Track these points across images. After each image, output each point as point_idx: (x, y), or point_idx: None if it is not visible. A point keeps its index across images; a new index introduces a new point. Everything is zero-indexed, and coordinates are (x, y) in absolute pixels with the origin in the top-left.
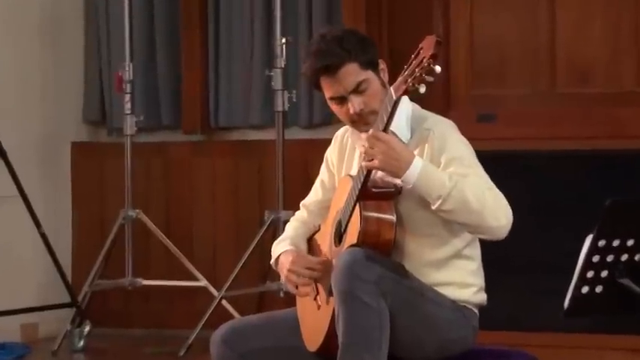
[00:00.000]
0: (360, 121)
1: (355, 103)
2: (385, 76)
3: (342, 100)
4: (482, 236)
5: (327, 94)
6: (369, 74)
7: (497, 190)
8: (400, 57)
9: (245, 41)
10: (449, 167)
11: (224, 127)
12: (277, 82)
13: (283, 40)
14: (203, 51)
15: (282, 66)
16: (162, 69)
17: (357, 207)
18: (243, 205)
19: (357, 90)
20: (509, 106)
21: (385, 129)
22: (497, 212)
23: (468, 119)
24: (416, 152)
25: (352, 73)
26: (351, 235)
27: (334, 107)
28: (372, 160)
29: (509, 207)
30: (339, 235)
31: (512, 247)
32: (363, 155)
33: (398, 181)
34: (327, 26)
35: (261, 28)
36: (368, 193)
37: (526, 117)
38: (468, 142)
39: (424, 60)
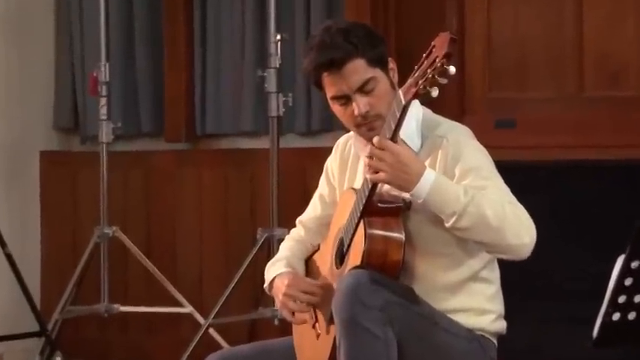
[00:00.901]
0: (364, 125)
1: (360, 104)
2: (395, 77)
3: (345, 100)
4: (502, 256)
5: (330, 93)
6: (377, 73)
7: (519, 205)
8: (409, 56)
9: (235, 38)
10: (464, 179)
11: (212, 135)
12: (271, 84)
13: (278, 37)
14: (188, 49)
15: (277, 66)
16: (142, 69)
17: (361, 224)
18: (233, 221)
19: (363, 89)
20: (531, 110)
21: (393, 137)
22: (519, 229)
23: (485, 125)
24: (427, 163)
25: (358, 69)
26: (355, 256)
27: (336, 108)
28: (378, 172)
29: (532, 223)
30: (340, 256)
31: (534, 269)
32: (368, 167)
33: (407, 196)
34: (328, 20)
35: (254, 24)
36: (373, 208)
37: (550, 123)
38: (485, 151)
39: (437, 60)
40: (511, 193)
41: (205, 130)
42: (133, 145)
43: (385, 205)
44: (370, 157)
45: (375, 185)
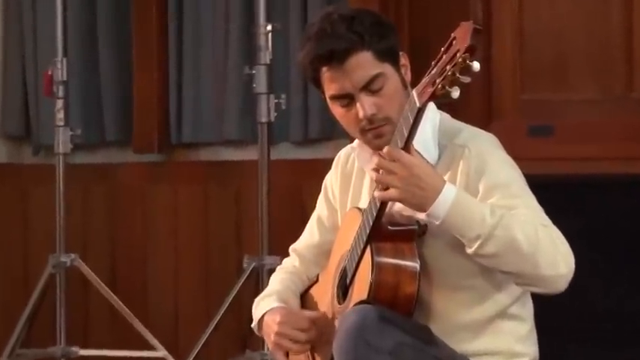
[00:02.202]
0: (371, 131)
1: (366, 105)
2: (407, 75)
3: (348, 100)
4: (534, 289)
5: (329, 92)
6: (387, 68)
7: (555, 228)
8: (425, 50)
9: (217, 29)
10: (490, 197)
11: (189, 144)
12: (261, 84)
13: (269, 28)
14: (161, 43)
15: (267, 62)
16: (106, 67)
17: (368, 251)
18: (214, 248)
19: (369, 87)
20: (571, 115)
21: (405, 146)
22: (554, 257)
23: (516, 133)
24: (446, 177)
25: (364, 64)
26: (360, 289)
27: (337, 110)
28: (388, 188)
29: (570, 250)
30: (343, 289)
31: (572, 303)
32: (376, 182)
33: (422, 216)
34: (329, 7)
35: (239, 12)
36: (382, 232)
37: (593, 130)
38: (514, 163)
39: (458, 54)
40: (545, 214)
41: (182, 138)
42: (95, 156)
43: (396, 228)
44: (378, 170)
45: (384, 204)
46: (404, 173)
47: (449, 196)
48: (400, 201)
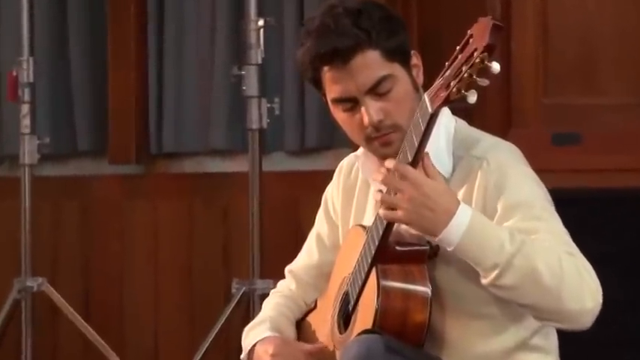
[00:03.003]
0: (377, 139)
1: (372, 110)
2: (419, 77)
3: (352, 104)
4: (556, 325)
5: (331, 94)
6: (396, 69)
7: (581, 256)
8: (438, 49)
9: (203, 25)
10: (509, 218)
11: (171, 155)
12: (251, 86)
13: (260, 23)
14: (140, 42)
15: (259, 61)
16: (78, 69)
17: (373, 273)
18: (199, 270)
19: (377, 90)
20: (600, 122)
21: (416, 157)
22: (580, 290)
23: (538, 142)
24: (460, 194)
25: (371, 64)
26: (365, 316)
27: (340, 115)
28: (394, 209)
29: (597, 281)
30: (345, 316)
31: (600, 335)
32: (381, 202)
33: (433, 241)
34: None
35: (228, 5)
36: (389, 252)
37: (624, 138)
38: (538, 179)
39: (475, 54)
40: (570, 239)
41: (162, 148)
42: (65, 167)
43: (405, 249)
44: (386, 186)
45: (390, 224)
46: (412, 192)
47: (463, 219)
48: (407, 224)
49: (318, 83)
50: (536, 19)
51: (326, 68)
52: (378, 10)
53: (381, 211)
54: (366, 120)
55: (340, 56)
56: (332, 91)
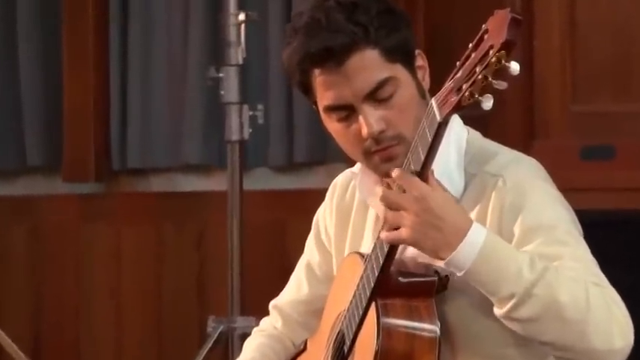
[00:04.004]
0: (378, 153)
1: (371, 119)
2: (425, 79)
3: (348, 112)
4: None
5: (323, 101)
6: (398, 71)
7: (611, 289)
8: (447, 47)
9: (174, 20)
10: (529, 242)
11: (137, 171)
12: (230, 91)
13: (241, 17)
14: (100, 40)
15: (240, 62)
16: (28, 73)
17: (373, 309)
18: (170, 306)
19: (376, 96)
20: (637, 133)
21: (422, 172)
22: (608, 327)
23: (566, 156)
24: (472, 215)
25: (369, 65)
26: (363, 359)
27: (333, 126)
28: (398, 228)
29: (628, 317)
30: (340, 359)
31: None
32: (383, 220)
33: (441, 265)
34: None
35: None
36: (391, 285)
37: None
38: (563, 199)
39: (491, 52)
40: (599, 269)
41: (126, 163)
42: (14, 186)
43: (410, 280)
44: (386, 202)
45: (393, 249)
46: (417, 208)
47: (476, 240)
48: (412, 244)
49: (307, 89)
50: (562, 13)
51: (317, 71)
52: (376, 3)
53: (383, 233)
54: (364, 131)
55: (333, 57)
56: (324, 97)
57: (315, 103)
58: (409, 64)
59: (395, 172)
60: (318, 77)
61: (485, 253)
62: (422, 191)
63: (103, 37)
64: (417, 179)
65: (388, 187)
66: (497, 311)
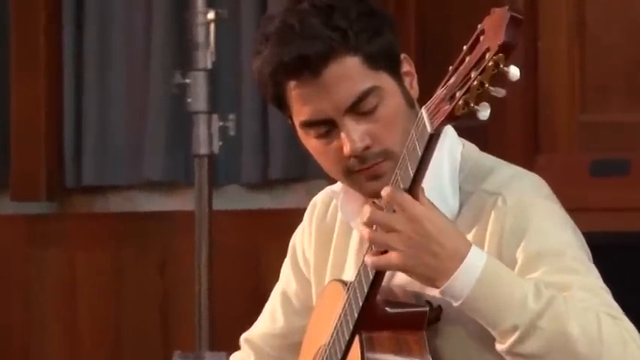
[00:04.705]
0: (363, 172)
1: (354, 134)
2: (413, 86)
3: (327, 127)
4: None
5: (300, 116)
6: (383, 79)
7: (625, 320)
8: (439, 49)
9: (135, 21)
10: (532, 271)
11: (93, 189)
12: (198, 99)
13: (210, 16)
14: (52, 45)
15: (209, 66)
16: None
17: (357, 343)
18: (131, 339)
19: (359, 108)
20: None
21: (411, 190)
22: None
23: (574, 171)
24: (470, 237)
25: (350, 74)
26: None
27: (311, 143)
28: (385, 252)
29: None
30: None
31: None
32: (369, 242)
33: (435, 293)
34: None
35: None
36: (377, 316)
37: None
38: (570, 221)
39: (487, 55)
40: (611, 299)
41: (81, 180)
42: None
43: (398, 311)
44: (371, 224)
45: (379, 275)
46: (409, 229)
47: (475, 265)
48: (404, 270)
49: (281, 102)
50: (570, 10)
51: (291, 83)
52: (355, 4)
53: (368, 257)
54: (346, 148)
55: (309, 67)
56: (300, 112)
57: (291, 117)
58: (394, 70)
59: (385, 191)
60: (294, 90)
61: (485, 279)
62: (416, 211)
63: (56, 39)
64: (410, 197)
65: (375, 206)
66: (499, 346)
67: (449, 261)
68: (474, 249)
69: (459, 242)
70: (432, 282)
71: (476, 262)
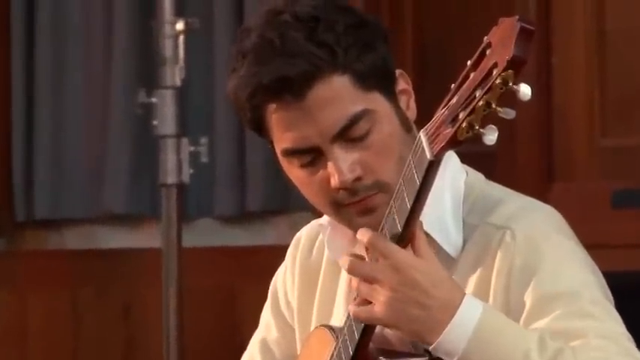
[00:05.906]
0: (353, 206)
1: (343, 165)
2: (410, 106)
3: (313, 155)
4: None
5: (282, 143)
6: (376, 101)
7: None
8: (440, 63)
9: (93, 32)
10: (544, 315)
11: (47, 223)
12: (166, 120)
13: (179, 26)
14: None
15: (177, 83)
16: None
17: None
18: None
19: (349, 135)
20: None
21: (407, 226)
22: None
23: (593, 203)
24: (473, 281)
25: (338, 96)
26: None
27: (295, 173)
28: (371, 303)
29: None
30: None
31: None
32: (356, 292)
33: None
34: None
35: (131, 3)
36: None
37: None
38: (588, 258)
39: (494, 71)
40: (634, 347)
41: (34, 214)
42: None
43: None
44: (356, 275)
45: (370, 326)
46: (393, 280)
47: (470, 317)
48: (388, 325)
49: (261, 128)
50: (588, 21)
51: (271, 107)
52: (343, 16)
53: (352, 307)
54: (334, 180)
55: (291, 88)
56: (282, 139)
57: (272, 144)
58: (389, 90)
59: (364, 236)
60: (274, 114)
61: (482, 334)
62: (400, 259)
63: (2, 53)
64: (392, 244)
65: (356, 255)
66: None
67: (440, 313)
68: (468, 298)
69: (452, 291)
70: (422, 338)
71: (470, 313)
